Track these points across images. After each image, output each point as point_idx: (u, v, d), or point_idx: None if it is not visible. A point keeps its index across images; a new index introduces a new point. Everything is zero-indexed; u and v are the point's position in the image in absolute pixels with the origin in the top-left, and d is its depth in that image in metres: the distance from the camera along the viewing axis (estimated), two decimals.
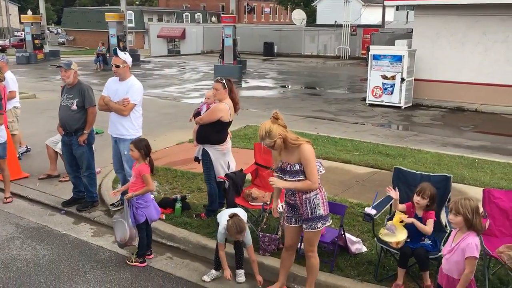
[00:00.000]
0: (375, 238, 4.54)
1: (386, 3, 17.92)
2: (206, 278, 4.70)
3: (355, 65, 29.49)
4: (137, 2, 77.51)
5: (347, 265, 4.68)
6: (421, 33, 15.70)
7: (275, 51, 36.22)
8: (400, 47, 15.19)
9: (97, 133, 10.69)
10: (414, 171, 4.78)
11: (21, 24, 39.30)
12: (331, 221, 4.22)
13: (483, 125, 12.75)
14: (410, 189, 4.62)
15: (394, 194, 4.42)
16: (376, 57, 15.13)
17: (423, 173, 4.73)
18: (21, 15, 33.04)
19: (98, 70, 25.08)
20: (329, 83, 21.60)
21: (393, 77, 14.87)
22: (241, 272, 4.70)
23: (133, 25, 58.97)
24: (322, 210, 4.01)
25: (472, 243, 3.40)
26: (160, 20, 62.69)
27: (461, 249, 3.44)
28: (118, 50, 5.80)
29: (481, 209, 3.69)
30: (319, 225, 4.02)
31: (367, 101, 15.47)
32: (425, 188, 4.35)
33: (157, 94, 17.16)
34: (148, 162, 4.93)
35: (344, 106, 15.41)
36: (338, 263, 4.70)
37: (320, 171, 4.01)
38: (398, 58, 14.70)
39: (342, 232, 4.74)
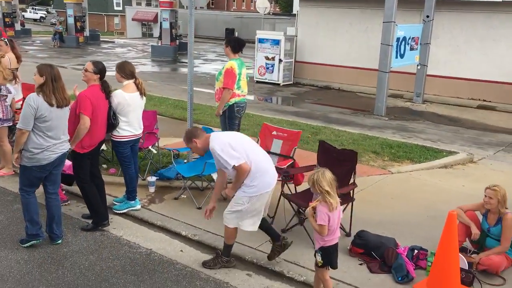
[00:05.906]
0: None
1: None
2: None
3: None
4: None
5: None
6: (304, 22, 18.15)
7: None
8: (277, 33, 17.68)
9: None
10: None
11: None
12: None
13: (327, 99, 15.19)
14: None
15: None
16: (261, 40, 17.60)
17: None
18: None
19: (55, 46, 27.74)
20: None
21: (273, 58, 17.37)
22: None
23: (120, 8, 61.60)
24: None
25: None
26: (148, 4, 65.14)
27: None
28: None
29: None
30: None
31: (254, 79, 17.99)
32: None
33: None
34: None
35: None
36: None
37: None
38: (277, 42, 17.19)
39: None
